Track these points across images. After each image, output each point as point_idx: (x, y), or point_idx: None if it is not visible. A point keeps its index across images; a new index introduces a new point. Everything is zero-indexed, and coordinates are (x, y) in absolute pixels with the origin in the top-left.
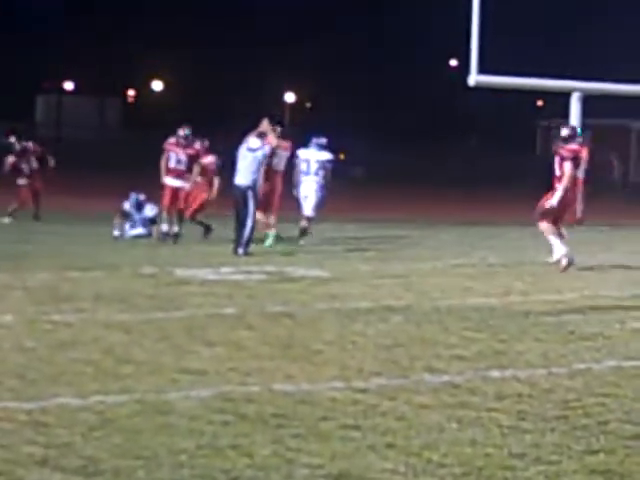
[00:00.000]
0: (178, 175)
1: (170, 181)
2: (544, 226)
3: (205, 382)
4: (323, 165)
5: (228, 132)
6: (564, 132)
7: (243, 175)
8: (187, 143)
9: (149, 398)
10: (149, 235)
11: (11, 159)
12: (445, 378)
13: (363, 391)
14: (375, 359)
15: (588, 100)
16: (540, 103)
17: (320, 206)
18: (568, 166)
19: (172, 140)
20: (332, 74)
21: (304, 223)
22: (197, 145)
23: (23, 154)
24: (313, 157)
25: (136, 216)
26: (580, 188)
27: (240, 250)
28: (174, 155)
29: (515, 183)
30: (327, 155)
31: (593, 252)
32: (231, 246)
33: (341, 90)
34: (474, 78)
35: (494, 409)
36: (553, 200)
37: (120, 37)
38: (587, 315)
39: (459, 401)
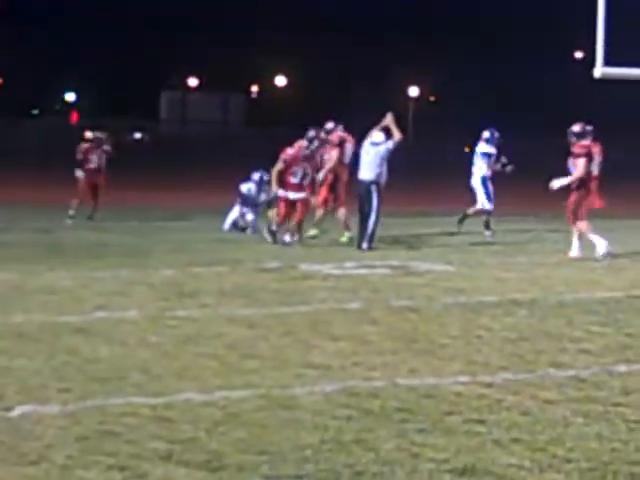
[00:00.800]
0: (300, 188)
1: (290, 194)
2: (581, 225)
3: (329, 377)
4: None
5: (351, 127)
6: (576, 128)
7: (367, 170)
8: (311, 152)
9: (273, 393)
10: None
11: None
12: (571, 372)
13: (488, 385)
14: (500, 353)
15: None
16: None
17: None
18: (581, 163)
19: (292, 151)
20: (457, 68)
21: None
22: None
23: (97, 146)
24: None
25: (256, 197)
26: (595, 183)
27: (364, 245)
28: (300, 170)
29: None
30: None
31: None
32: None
33: (466, 85)
34: (597, 70)
35: (620, 404)
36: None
37: (246, 34)
38: None
39: (585, 395)
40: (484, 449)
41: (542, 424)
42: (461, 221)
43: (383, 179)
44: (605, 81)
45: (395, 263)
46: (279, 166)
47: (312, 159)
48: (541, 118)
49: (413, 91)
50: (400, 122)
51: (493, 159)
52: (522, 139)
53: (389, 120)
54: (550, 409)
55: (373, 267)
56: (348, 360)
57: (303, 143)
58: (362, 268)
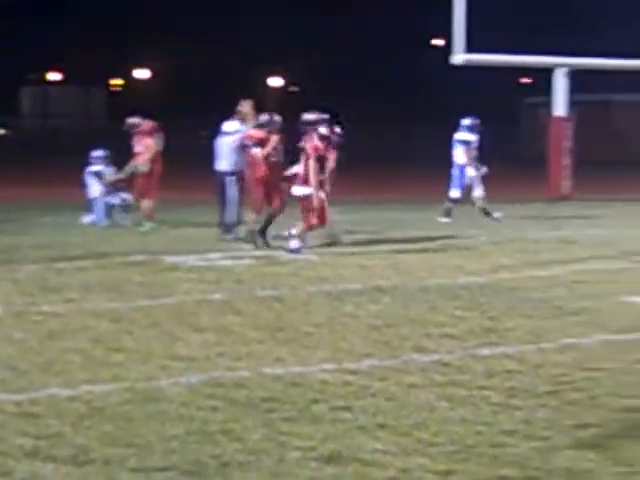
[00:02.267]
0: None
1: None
2: None
3: (195, 368)
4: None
5: (211, 118)
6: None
7: (224, 160)
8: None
9: (139, 386)
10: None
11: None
12: (435, 357)
13: (354, 372)
14: (365, 340)
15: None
16: (526, 81)
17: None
18: None
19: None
20: (317, 57)
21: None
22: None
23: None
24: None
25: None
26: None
27: (227, 235)
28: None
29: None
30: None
31: (579, 226)
32: (219, 231)
33: (326, 74)
34: (459, 57)
35: (484, 387)
36: None
37: (104, 25)
38: (575, 290)
39: (449, 380)
40: (350, 436)
41: (407, 409)
42: (487, 214)
43: (241, 168)
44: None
45: (259, 253)
46: None
47: None
48: (396, 107)
49: (275, 81)
50: (260, 111)
51: (472, 147)
52: (388, 128)
53: (246, 109)
54: (415, 394)
55: (237, 258)
56: (213, 351)
57: None
58: (226, 259)
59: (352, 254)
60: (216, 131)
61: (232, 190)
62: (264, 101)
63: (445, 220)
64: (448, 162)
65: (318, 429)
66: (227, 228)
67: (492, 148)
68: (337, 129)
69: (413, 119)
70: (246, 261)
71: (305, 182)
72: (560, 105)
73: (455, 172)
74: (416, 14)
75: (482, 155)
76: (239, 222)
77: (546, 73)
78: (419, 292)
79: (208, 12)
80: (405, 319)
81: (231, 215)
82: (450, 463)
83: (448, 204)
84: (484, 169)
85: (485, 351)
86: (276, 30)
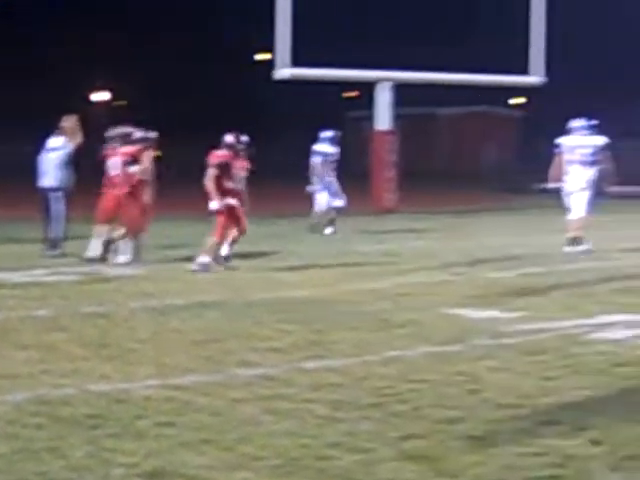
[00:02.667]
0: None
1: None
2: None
3: (19, 386)
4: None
5: (32, 134)
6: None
7: (48, 176)
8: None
9: None
10: None
11: None
12: (260, 371)
13: (178, 388)
14: (190, 355)
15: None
16: (352, 94)
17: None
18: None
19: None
20: (143, 73)
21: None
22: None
23: None
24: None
25: None
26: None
27: (51, 251)
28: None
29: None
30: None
31: (403, 239)
32: (43, 247)
33: (152, 89)
34: (283, 71)
35: (309, 400)
36: None
37: None
38: (399, 302)
39: (274, 393)
40: (174, 451)
41: (231, 423)
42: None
43: (67, 183)
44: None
45: (85, 269)
46: None
47: None
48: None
49: (101, 96)
50: (85, 126)
51: (330, 159)
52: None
53: (68, 124)
54: (239, 408)
55: (63, 274)
56: (37, 368)
57: None
58: (52, 275)
59: (178, 269)
60: (40, 147)
61: (57, 206)
62: (88, 116)
63: (330, 230)
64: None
65: (142, 445)
66: (52, 244)
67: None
68: (243, 137)
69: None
70: (71, 277)
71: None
72: (383, 119)
73: (324, 184)
74: (240, 29)
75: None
76: (65, 238)
77: (370, 87)
78: (244, 307)
79: (35, 23)
80: (230, 334)
81: (56, 231)
82: (275, 477)
83: (330, 215)
84: (315, 188)
85: (310, 364)
86: (102, 45)
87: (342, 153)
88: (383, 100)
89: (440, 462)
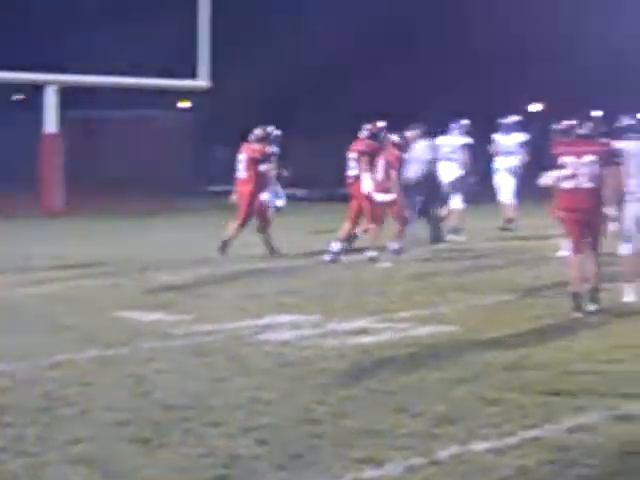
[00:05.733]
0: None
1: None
2: None
3: None
4: None
5: None
6: None
7: None
8: None
9: None
10: None
11: None
12: None
13: None
14: None
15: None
16: (19, 97)
17: None
18: None
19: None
20: None
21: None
22: None
23: None
24: None
25: None
26: None
27: None
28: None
29: None
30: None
31: (74, 243)
32: None
33: None
34: None
35: None
36: None
37: None
38: (70, 306)
39: None
40: None
41: None
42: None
43: None
44: None
45: None
46: None
47: None
48: None
49: None
50: None
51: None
52: None
53: None
54: None
55: None
56: None
57: None
58: None
59: None
60: None
61: None
62: None
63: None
64: None
65: None
66: None
67: None
68: None
69: None
70: None
71: None
72: (51, 121)
73: None
74: None
75: None
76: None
77: (39, 90)
78: None
79: None
80: None
81: None
82: None
83: None
84: None
85: None
86: None
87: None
88: (50, 103)
89: (108, 465)
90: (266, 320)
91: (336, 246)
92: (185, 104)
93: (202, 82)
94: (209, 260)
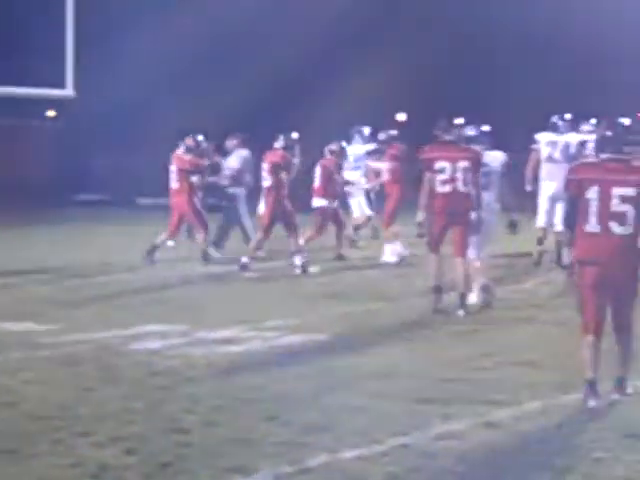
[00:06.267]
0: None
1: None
2: None
3: None
4: None
5: None
6: None
7: None
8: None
9: None
10: None
11: None
12: None
13: None
14: None
15: None
16: None
17: None
18: None
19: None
20: None
21: None
22: None
23: None
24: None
25: None
26: None
27: None
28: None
29: None
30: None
31: None
32: None
33: None
34: None
35: None
36: None
37: None
38: None
39: None
40: None
41: None
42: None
43: None
44: None
45: None
46: None
47: None
48: None
49: None
50: None
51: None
52: None
53: None
54: None
55: None
56: None
57: None
58: None
59: None
60: None
61: None
62: None
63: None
64: None
65: None
66: None
67: None
68: None
69: None
70: None
71: None
72: None
73: None
74: None
75: None
76: None
77: None
78: None
79: None
80: None
81: None
82: None
83: None
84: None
85: None
86: None
87: None
88: None
89: None
90: (135, 330)
91: (246, 259)
92: (51, 113)
93: (68, 91)
94: (79, 270)
